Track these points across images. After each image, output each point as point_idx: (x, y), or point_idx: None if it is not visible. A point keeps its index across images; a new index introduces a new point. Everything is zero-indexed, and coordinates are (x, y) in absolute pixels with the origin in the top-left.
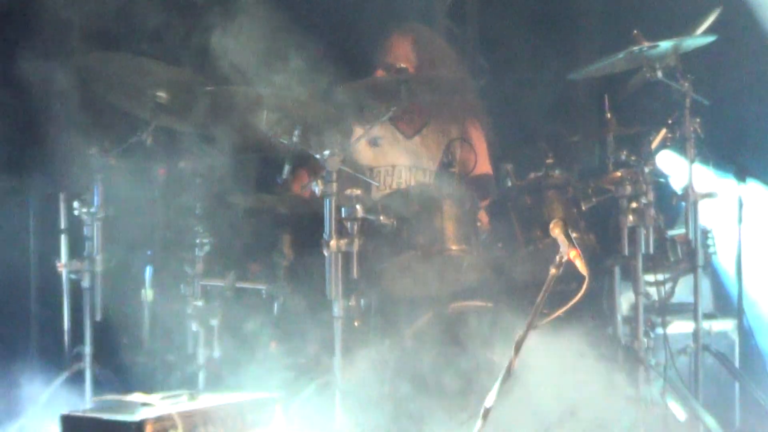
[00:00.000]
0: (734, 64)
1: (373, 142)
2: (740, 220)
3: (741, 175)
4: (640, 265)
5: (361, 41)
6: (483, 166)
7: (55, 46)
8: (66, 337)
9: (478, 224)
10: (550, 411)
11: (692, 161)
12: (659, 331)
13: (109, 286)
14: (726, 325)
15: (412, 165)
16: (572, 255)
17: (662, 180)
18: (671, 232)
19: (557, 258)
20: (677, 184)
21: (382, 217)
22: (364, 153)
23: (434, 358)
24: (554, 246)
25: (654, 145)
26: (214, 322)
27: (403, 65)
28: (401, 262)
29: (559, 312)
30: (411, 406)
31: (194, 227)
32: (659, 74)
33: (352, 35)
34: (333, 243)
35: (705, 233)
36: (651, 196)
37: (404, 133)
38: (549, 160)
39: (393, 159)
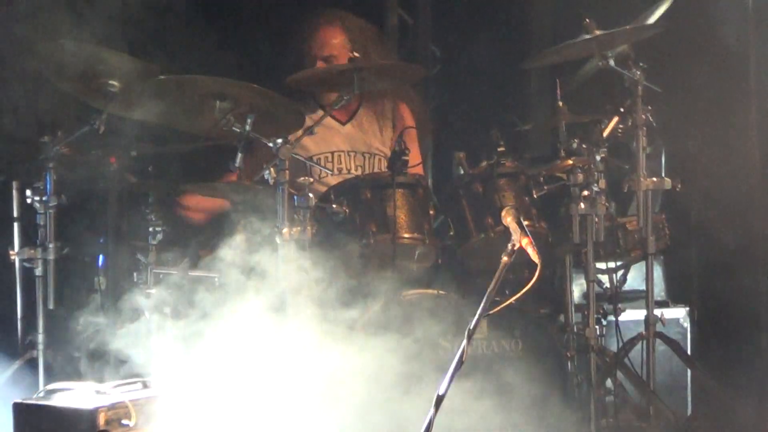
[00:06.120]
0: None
1: (309, 131)
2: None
3: None
4: (591, 252)
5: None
6: (416, 156)
7: (6, 34)
8: (19, 326)
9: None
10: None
11: (644, 149)
12: (611, 318)
13: (62, 274)
14: (678, 313)
15: (349, 150)
16: (524, 243)
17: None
18: (623, 220)
19: (509, 246)
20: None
21: (334, 206)
22: (302, 142)
23: (386, 347)
24: (506, 234)
25: (606, 133)
26: (167, 310)
27: (356, 54)
28: (353, 250)
29: (511, 300)
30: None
31: (147, 215)
32: (611, 62)
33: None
34: (285, 231)
35: (659, 220)
36: (603, 184)
37: (338, 119)
38: (501, 149)
39: (332, 145)
